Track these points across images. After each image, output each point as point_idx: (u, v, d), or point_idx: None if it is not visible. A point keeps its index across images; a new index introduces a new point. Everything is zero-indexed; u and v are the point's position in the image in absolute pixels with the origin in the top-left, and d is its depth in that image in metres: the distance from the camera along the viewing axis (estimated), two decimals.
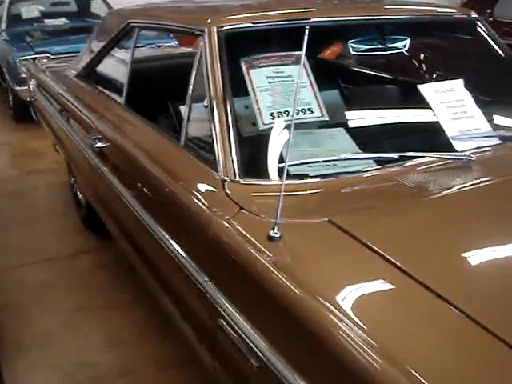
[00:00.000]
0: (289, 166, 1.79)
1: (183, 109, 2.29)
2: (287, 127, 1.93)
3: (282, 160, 1.86)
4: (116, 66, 3.24)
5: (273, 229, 1.58)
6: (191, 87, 2.21)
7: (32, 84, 4.62)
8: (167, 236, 2.08)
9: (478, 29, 2.75)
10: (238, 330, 1.61)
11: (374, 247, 1.50)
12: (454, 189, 1.90)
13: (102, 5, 8.71)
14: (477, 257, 1.57)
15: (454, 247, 1.58)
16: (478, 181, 1.96)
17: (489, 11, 6.22)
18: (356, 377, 1.21)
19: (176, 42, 6.28)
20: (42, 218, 4.40)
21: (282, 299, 1.45)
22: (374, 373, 1.18)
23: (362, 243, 1.53)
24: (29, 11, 8.02)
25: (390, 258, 1.45)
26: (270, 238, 1.58)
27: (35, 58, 6.29)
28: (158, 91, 2.80)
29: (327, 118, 2.08)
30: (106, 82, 3.28)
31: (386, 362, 1.18)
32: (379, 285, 1.44)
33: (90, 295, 3.31)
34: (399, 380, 1.14)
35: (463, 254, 1.56)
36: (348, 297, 1.38)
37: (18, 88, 6.59)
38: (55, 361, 2.77)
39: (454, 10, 2.78)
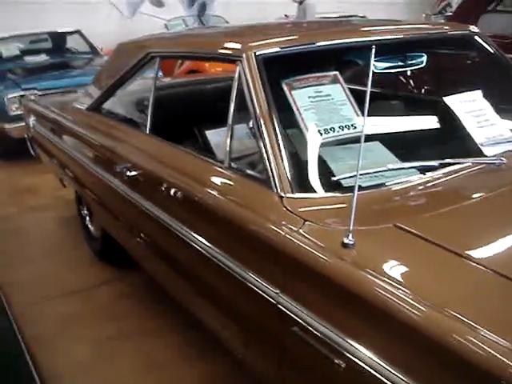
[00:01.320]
0: (342, 179, 1.93)
1: (223, 132, 2.37)
2: (333, 142, 2.07)
3: (332, 173, 1.99)
4: (135, 96, 3.33)
5: (347, 236, 1.67)
6: (231, 111, 2.30)
7: (32, 120, 4.66)
8: (225, 255, 2.15)
9: (481, 41, 2.91)
10: (318, 334, 1.69)
11: (440, 243, 1.64)
12: (493, 190, 2.06)
13: (78, 39, 8.82)
14: None
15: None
16: None
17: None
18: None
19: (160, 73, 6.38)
20: (53, 253, 4.40)
21: (368, 297, 1.55)
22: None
23: (429, 241, 1.67)
24: (9, 50, 8.07)
25: (453, 249, 1.61)
26: (345, 245, 1.67)
27: (23, 95, 6.37)
28: (183, 118, 2.89)
29: (370, 132, 2.18)
30: (125, 112, 3.35)
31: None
32: (445, 270, 1.59)
33: (117, 324, 3.34)
34: None
35: None
36: (427, 287, 1.52)
37: (7, 126, 6.58)
38: None
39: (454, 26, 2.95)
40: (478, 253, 1.64)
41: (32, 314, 3.47)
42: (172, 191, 2.55)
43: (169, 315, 3.30)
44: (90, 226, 4.18)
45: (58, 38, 8.81)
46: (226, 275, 2.13)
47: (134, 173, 2.83)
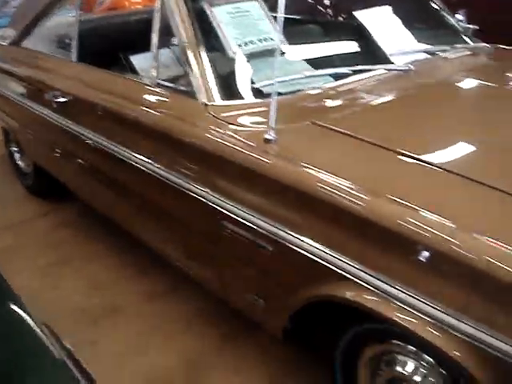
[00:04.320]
0: (262, 86, 2.09)
1: (149, 54, 2.48)
2: (255, 53, 2.22)
3: (252, 81, 2.16)
4: (60, 28, 3.36)
5: (268, 132, 1.85)
6: (156, 29, 2.40)
7: None
8: (160, 167, 2.29)
9: None
10: (246, 222, 1.88)
11: (354, 134, 1.85)
12: (402, 92, 2.32)
13: None
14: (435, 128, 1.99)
15: (417, 126, 2.00)
16: (420, 83, 2.36)
17: None
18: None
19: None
20: None
21: (293, 183, 1.74)
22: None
23: (343, 133, 1.88)
24: None
25: (365, 138, 1.82)
26: (267, 141, 1.85)
27: None
28: (110, 46, 2.97)
29: (287, 44, 2.34)
30: (50, 43, 3.38)
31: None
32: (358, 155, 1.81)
33: (56, 252, 3.42)
34: None
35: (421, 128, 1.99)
36: (344, 170, 1.72)
37: None
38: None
39: None
40: (385, 140, 1.83)
41: None
42: (103, 112, 2.65)
43: (107, 239, 3.42)
44: (20, 162, 4.20)
45: None
46: (163, 186, 2.28)
47: (63, 99, 2.90)
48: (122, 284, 3.06)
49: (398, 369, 1.72)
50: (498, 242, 1.34)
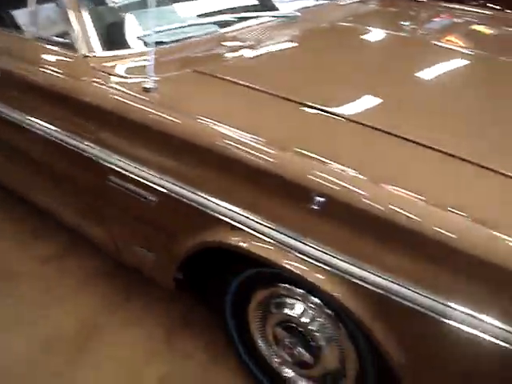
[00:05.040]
0: (145, 35, 2.03)
1: (29, 9, 2.35)
2: (136, 3, 2.15)
3: (136, 31, 2.09)
4: None
5: (147, 82, 1.80)
6: None
7: None
8: (43, 122, 2.19)
9: None
10: (130, 175, 1.84)
11: (237, 81, 1.83)
12: (290, 38, 2.32)
13: None
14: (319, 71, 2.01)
15: (305, 73, 1.99)
16: (307, 30, 2.37)
17: None
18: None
19: None
20: None
21: (174, 132, 1.70)
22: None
23: (226, 80, 1.86)
24: None
25: (244, 83, 1.81)
26: (147, 90, 1.80)
27: None
28: None
29: None
30: None
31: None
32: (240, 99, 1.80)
33: None
34: None
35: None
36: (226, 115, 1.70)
37: None
38: None
39: None
40: (263, 84, 1.83)
41: None
42: None
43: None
44: None
45: None
46: (50, 144, 2.17)
47: None
48: (15, 250, 2.95)
49: (287, 311, 1.74)
50: (396, 188, 1.35)
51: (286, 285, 1.71)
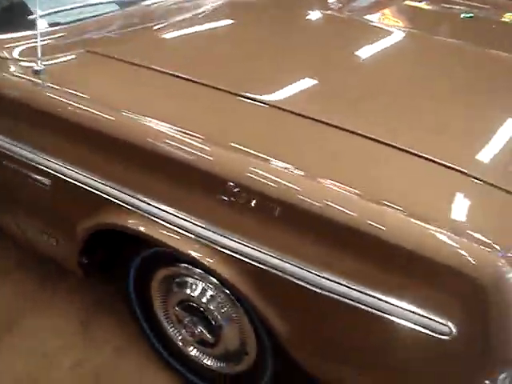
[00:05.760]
0: (37, 16, 1.96)
1: None
2: None
3: (30, 13, 2.01)
4: None
5: (37, 63, 1.75)
6: None
7: None
8: None
9: None
10: (25, 160, 1.79)
11: (130, 61, 1.81)
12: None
13: None
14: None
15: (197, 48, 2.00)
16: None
17: None
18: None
19: None
20: None
21: (61, 113, 1.66)
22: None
23: (119, 60, 1.83)
24: None
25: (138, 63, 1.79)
26: (36, 72, 1.75)
27: None
28: None
29: None
30: None
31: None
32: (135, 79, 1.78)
33: None
34: None
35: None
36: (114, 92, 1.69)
37: None
38: None
39: None
40: (152, 61, 1.82)
41: None
42: None
43: None
44: None
45: None
46: None
47: None
48: None
49: (187, 291, 1.74)
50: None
51: (186, 264, 1.70)
